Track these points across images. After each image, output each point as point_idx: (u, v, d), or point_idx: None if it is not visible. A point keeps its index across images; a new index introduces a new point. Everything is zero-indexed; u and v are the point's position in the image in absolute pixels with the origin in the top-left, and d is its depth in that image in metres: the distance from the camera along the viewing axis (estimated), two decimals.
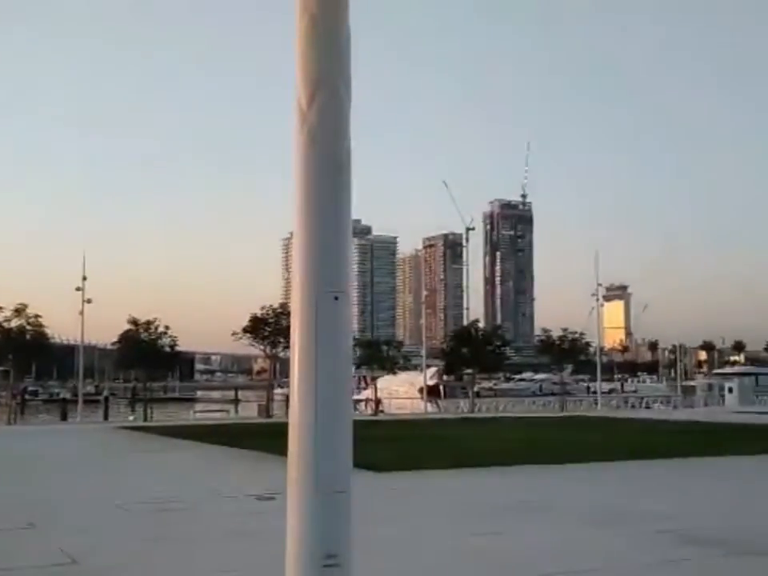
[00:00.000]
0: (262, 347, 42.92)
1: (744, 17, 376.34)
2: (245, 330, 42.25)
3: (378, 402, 51.02)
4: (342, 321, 2.76)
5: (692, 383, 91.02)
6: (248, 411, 55.05)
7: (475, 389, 57.77)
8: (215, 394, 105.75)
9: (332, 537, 2.67)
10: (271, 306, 42.03)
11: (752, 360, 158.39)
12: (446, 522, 10.04)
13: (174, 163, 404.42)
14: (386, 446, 19.72)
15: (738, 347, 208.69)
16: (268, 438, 14.84)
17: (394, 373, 60.44)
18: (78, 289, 39.00)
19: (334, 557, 2.65)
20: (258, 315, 42.07)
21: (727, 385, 62.84)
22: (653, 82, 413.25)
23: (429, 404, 55.13)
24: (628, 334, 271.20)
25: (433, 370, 70.98)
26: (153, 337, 42.79)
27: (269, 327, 41.36)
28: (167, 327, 43.30)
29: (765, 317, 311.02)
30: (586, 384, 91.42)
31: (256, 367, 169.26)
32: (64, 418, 46.38)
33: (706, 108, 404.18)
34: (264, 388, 49.07)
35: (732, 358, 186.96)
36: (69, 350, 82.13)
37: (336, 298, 2.72)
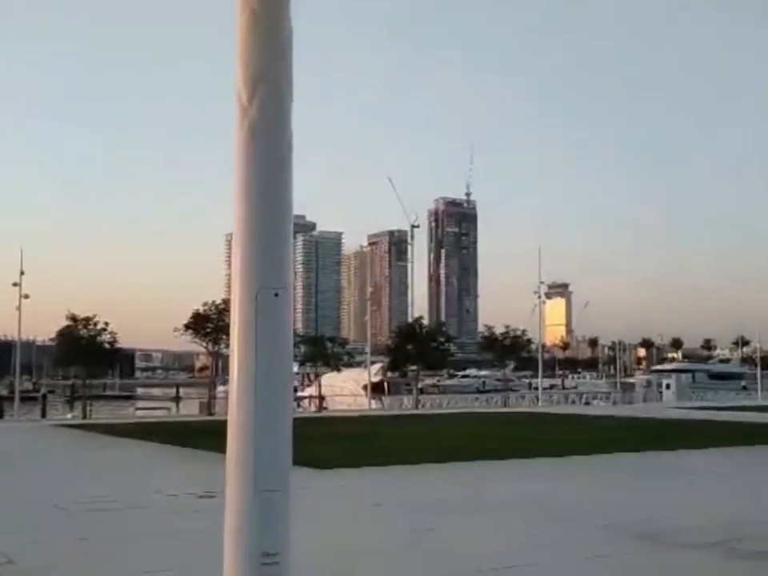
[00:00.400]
0: (203, 344, 42.53)
1: (689, 15, 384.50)
2: (186, 327, 41.81)
3: (321, 399, 50.95)
4: (283, 317, 2.74)
5: (631, 380, 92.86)
6: (189, 409, 54.40)
7: (419, 385, 58.07)
8: (156, 392, 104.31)
9: (270, 535, 2.66)
10: (213, 302, 41.70)
11: (689, 357, 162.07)
12: (388, 518, 10.08)
13: (115, 157, 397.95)
14: (328, 443, 19.71)
15: (676, 344, 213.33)
16: (209, 436, 14.65)
17: (338, 370, 60.45)
18: (15, 284, 38.14)
19: (272, 555, 2.64)
20: (200, 312, 41.67)
21: (665, 381, 64.30)
22: (597, 80, 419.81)
23: (373, 401, 55.16)
24: (569, 331, 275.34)
25: (377, 366, 71.04)
26: (92, 333, 42.09)
27: (211, 324, 40.99)
28: (107, 324, 42.70)
29: (702, 314, 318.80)
30: (527, 380, 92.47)
31: (198, 364, 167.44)
32: (0, 415, 45.32)
33: (652, 107, 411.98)
34: (206, 385, 48.62)
35: (670, 355, 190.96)
36: (6, 347, 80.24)
37: (276, 294, 2.70)
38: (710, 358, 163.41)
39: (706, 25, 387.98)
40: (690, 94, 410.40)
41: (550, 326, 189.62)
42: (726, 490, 12.82)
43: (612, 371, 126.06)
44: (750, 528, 9.09)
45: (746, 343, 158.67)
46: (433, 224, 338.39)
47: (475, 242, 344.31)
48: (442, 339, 55.57)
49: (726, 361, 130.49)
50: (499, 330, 58.66)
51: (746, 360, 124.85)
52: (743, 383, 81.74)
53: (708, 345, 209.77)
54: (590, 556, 7.83)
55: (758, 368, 78.88)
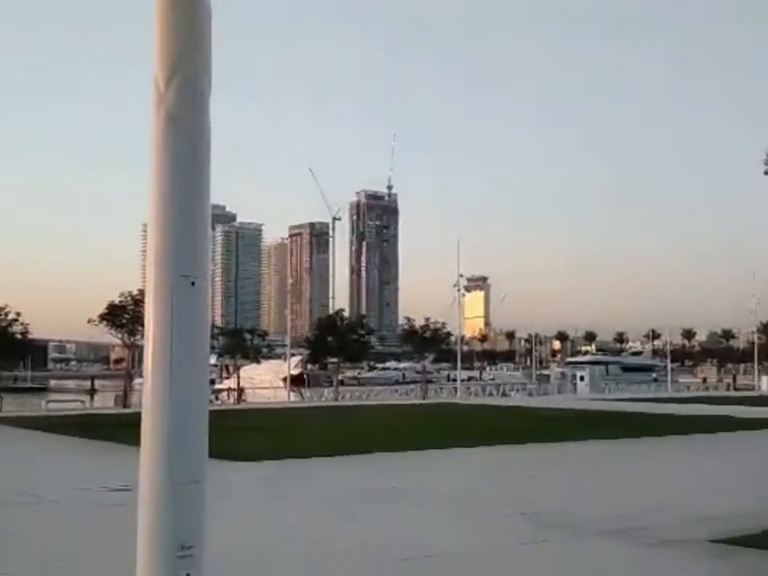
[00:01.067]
0: (119, 335, 41.67)
1: None
2: (102, 317, 40.91)
3: (240, 391, 50.49)
4: (199, 307, 2.70)
5: (547, 372, 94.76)
6: (105, 401, 53.23)
7: (339, 377, 58.09)
8: (70, 384, 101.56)
9: (186, 527, 2.63)
10: (130, 292, 40.86)
11: (603, 350, 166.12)
12: (307, 509, 10.07)
13: (28, 142, 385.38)
14: (247, 435, 19.57)
15: (590, 337, 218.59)
16: (125, 429, 14.40)
17: (258, 362, 59.98)
18: None
19: (187, 548, 2.61)
20: (116, 302, 40.83)
21: (579, 373, 65.86)
22: (519, 80, 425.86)
23: (293, 393, 55.01)
24: (487, 323, 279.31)
25: (297, 359, 70.83)
26: (2, 324, 40.79)
27: (127, 314, 40.18)
28: (18, 314, 41.43)
29: (615, 308, 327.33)
30: (446, 372, 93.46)
31: (113, 356, 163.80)
32: None
33: (572, 100, 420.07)
34: (122, 377, 47.65)
35: (584, 348, 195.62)
36: None
37: (193, 284, 2.66)
38: (622, 350, 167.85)
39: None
40: (592, 95, 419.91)
41: (469, 318, 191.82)
42: (634, 478, 13.20)
43: (528, 363, 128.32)
44: (655, 516, 9.38)
45: (656, 336, 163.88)
46: (354, 217, 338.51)
47: (396, 235, 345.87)
48: (363, 332, 55.68)
49: (638, 353, 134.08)
50: (419, 322, 59.19)
51: (657, 353, 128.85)
52: (654, 375, 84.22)
53: (621, 338, 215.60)
54: (511, 544, 7.97)
55: (668, 360, 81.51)
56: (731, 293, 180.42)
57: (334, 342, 51.95)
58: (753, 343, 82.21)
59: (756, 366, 76.03)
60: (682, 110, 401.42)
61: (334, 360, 56.44)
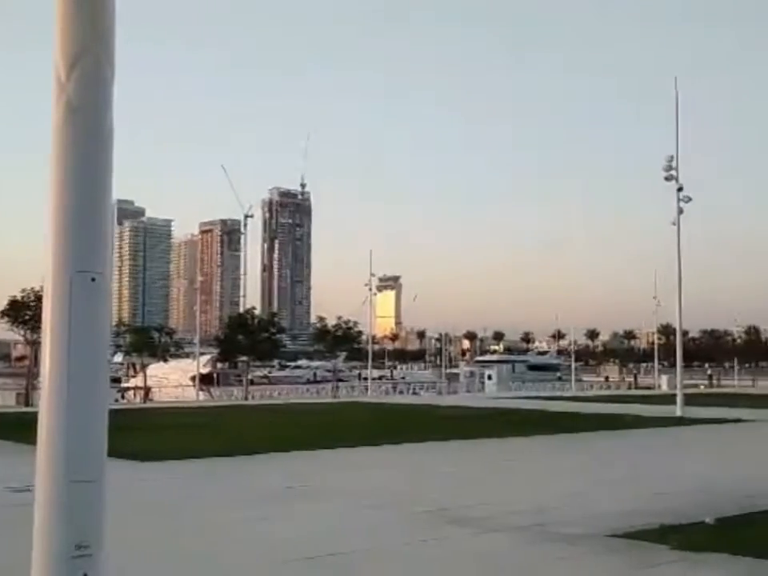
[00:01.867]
0: (21, 332, 40.44)
1: None
2: (3, 314, 39.70)
3: (147, 390, 49.52)
4: (100, 303, 2.64)
5: (456, 370, 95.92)
6: (5, 400, 51.40)
7: (249, 376, 57.54)
8: None
9: (83, 527, 2.57)
10: (32, 288, 39.60)
11: (510, 349, 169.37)
12: (214, 508, 9.96)
13: None
14: (153, 434, 19.22)
15: (498, 337, 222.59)
16: (27, 428, 13.97)
17: (166, 360, 58.89)
18: None
19: (84, 547, 2.55)
20: (18, 298, 39.62)
21: (487, 372, 66.94)
22: (417, 77, 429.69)
23: (201, 392, 54.25)
24: (398, 323, 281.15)
25: (206, 357, 69.87)
26: None
27: (29, 311, 39.00)
28: None
29: (523, 307, 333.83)
30: (358, 371, 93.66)
31: (15, 353, 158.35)
32: None
33: (480, 98, 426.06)
34: (24, 375, 46.15)
35: (492, 347, 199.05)
36: None
37: (93, 279, 2.60)
38: (529, 350, 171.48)
39: None
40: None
41: (381, 317, 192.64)
42: (538, 474, 13.49)
43: (439, 362, 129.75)
44: (556, 513, 9.61)
45: (562, 336, 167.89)
46: (267, 214, 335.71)
47: (309, 234, 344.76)
48: (274, 330, 55.29)
49: (544, 353, 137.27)
50: (332, 321, 59.16)
51: (562, 352, 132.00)
52: (559, 374, 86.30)
53: (527, 337, 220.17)
54: (411, 541, 8.05)
55: (572, 360, 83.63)
56: (633, 295, 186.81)
57: (245, 341, 51.44)
58: (653, 344, 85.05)
59: (656, 366, 78.72)
60: (581, 104, 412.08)
61: (244, 359, 55.87)
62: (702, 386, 71.23)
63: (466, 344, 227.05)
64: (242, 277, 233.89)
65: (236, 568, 7.09)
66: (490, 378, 65.05)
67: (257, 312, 62.05)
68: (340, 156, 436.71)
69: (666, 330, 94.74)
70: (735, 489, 11.26)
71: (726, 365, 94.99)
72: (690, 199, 29.51)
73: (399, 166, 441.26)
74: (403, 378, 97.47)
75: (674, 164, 29.65)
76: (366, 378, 65.35)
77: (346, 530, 8.65)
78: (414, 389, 62.63)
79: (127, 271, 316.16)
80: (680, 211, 29.56)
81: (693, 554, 7.27)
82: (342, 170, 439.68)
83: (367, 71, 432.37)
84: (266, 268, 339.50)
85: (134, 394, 50.48)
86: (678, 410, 28.18)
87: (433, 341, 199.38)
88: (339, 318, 58.59)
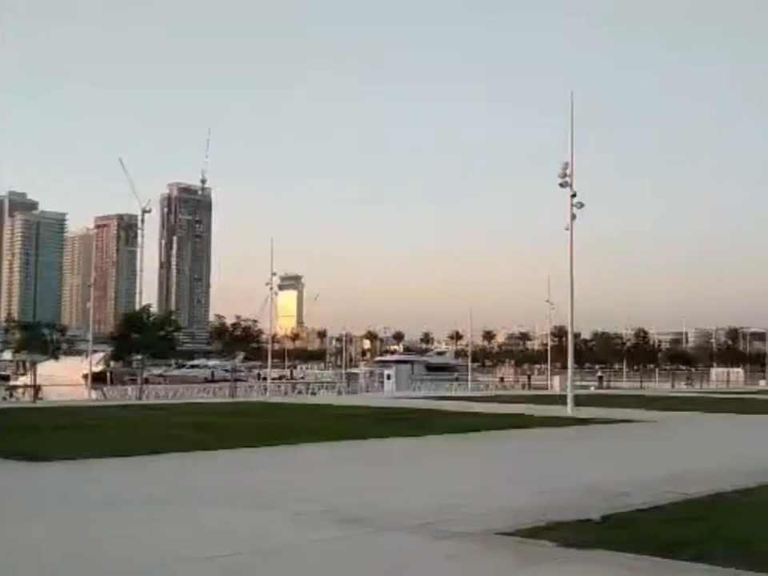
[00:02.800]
0: None
1: None
2: None
3: (37, 388, 47.83)
4: None
5: (356, 370, 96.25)
6: None
7: (145, 375, 56.32)
8: None
9: None
10: None
11: (410, 349, 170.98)
12: (100, 510, 9.72)
13: None
14: (42, 434, 18.62)
15: (398, 337, 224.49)
16: None
17: (57, 358, 57.08)
18: None
19: None
20: None
21: (386, 372, 67.36)
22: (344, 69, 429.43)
23: (94, 391, 52.77)
24: (300, 322, 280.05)
25: (99, 355, 68.08)
26: None
27: None
28: None
29: (421, 307, 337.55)
30: (257, 371, 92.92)
31: None
32: None
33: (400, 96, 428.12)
34: None
35: (393, 347, 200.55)
36: None
37: None
38: (428, 350, 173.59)
39: None
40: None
41: (282, 317, 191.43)
42: (425, 475, 13.61)
43: (339, 362, 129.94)
44: (446, 512, 9.76)
45: (460, 337, 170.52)
46: (165, 209, 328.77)
47: (209, 231, 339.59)
48: (171, 328, 54.31)
49: (442, 353, 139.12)
50: (231, 320, 58.55)
51: (459, 353, 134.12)
52: (456, 375, 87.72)
53: (427, 338, 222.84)
54: (301, 541, 8.04)
55: (469, 360, 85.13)
56: (529, 297, 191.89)
57: (139, 339, 50.33)
58: (547, 345, 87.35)
59: (549, 367, 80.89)
60: (478, 105, 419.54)
61: (139, 357, 54.65)
62: (593, 387, 73.61)
63: (367, 344, 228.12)
64: (138, 273, 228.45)
65: (119, 570, 6.95)
66: (389, 377, 65.51)
67: (153, 309, 60.86)
68: (242, 152, 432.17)
69: (560, 332, 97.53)
70: (619, 487, 11.68)
71: (616, 366, 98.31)
72: (582, 205, 30.46)
73: (300, 165, 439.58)
74: (303, 377, 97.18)
75: (568, 171, 30.56)
76: (265, 378, 64.79)
77: (235, 530, 8.58)
78: (314, 389, 62.48)
79: (18, 265, 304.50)
80: (573, 217, 30.48)
81: (577, 550, 7.51)
82: (244, 166, 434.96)
83: (263, 65, 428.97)
84: (164, 265, 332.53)
85: (24, 393, 48.69)
86: (568, 410, 29.03)
87: (334, 341, 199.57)
88: (238, 317, 58.11)
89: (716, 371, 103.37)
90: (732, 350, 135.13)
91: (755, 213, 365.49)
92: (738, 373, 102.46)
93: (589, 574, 6.99)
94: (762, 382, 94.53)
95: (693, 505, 10.29)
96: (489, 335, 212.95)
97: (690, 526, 8.76)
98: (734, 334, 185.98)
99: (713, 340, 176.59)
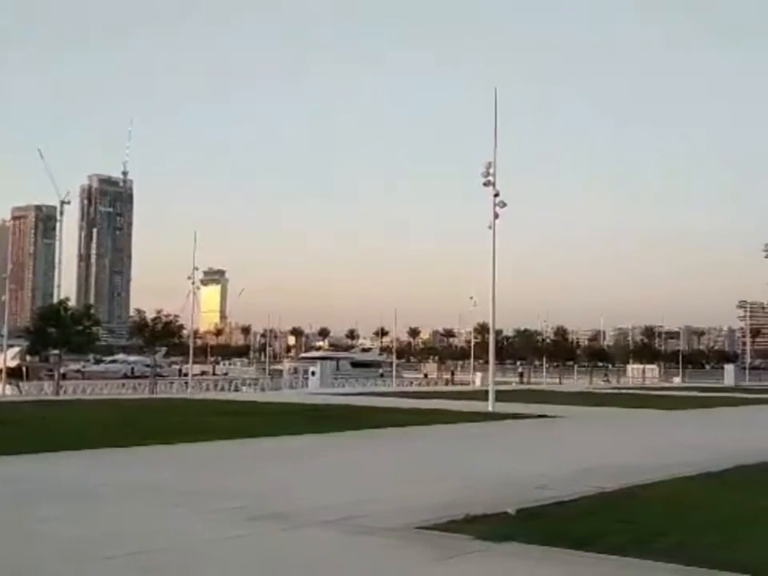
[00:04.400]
0: None
1: None
2: None
3: None
4: None
5: (280, 367, 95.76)
6: None
7: (62, 371, 54.94)
8: None
9: None
10: None
11: (335, 345, 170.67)
12: (8, 508, 9.45)
13: None
14: None
15: (324, 333, 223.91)
16: None
17: None
18: None
19: None
20: None
21: (311, 368, 67.20)
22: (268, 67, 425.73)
23: (9, 387, 51.28)
24: (223, 317, 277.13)
25: (15, 350, 66.18)
26: None
27: None
28: None
29: (347, 304, 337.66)
30: (179, 366, 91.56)
31: None
32: None
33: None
34: None
35: (318, 344, 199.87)
36: None
37: None
38: (353, 347, 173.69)
39: None
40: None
41: (205, 312, 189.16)
42: (345, 471, 13.62)
43: (263, 358, 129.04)
44: (366, 507, 9.79)
45: (385, 334, 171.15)
46: (85, 201, 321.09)
47: (130, 224, 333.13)
48: (89, 323, 52.98)
49: (368, 350, 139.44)
50: (152, 315, 57.46)
51: (384, 349, 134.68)
52: (381, 371, 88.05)
53: (352, 334, 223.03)
54: (216, 538, 7.94)
55: (394, 357, 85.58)
56: (453, 295, 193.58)
57: (57, 333, 49.01)
58: (470, 342, 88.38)
59: (472, 363, 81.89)
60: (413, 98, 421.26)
61: (56, 352, 53.25)
62: (514, 383, 74.87)
63: (292, 340, 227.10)
64: (56, 266, 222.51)
65: (31, 569, 6.76)
66: (313, 374, 65.36)
67: (71, 303, 59.26)
68: (164, 145, 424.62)
69: (483, 329, 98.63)
70: (535, 481, 11.87)
71: (537, 363, 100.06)
72: (505, 204, 30.85)
73: (227, 159, 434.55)
74: (226, 374, 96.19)
75: (491, 170, 30.93)
76: (186, 374, 63.94)
77: (148, 528, 8.43)
78: (236, 385, 61.91)
79: None
80: (495, 216, 30.87)
81: (493, 543, 7.61)
82: (167, 158, 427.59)
83: (193, 52, 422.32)
84: (83, 258, 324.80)
85: None
86: (489, 406, 29.44)
87: (258, 336, 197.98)
88: (159, 311, 57.07)
89: (632, 368, 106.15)
90: (648, 347, 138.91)
91: (668, 214, 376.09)
92: (653, 370, 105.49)
93: (503, 566, 7.08)
94: (676, 379, 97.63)
95: (606, 498, 10.53)
96: (414, 332, 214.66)
97: (602, 519, 8.96)
98: (649, 332, 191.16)
99: (629, 338, 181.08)
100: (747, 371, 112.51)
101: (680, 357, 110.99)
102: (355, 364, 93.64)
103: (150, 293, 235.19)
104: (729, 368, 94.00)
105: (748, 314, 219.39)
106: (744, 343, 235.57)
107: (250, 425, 21.51)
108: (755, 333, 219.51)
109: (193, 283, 56.25)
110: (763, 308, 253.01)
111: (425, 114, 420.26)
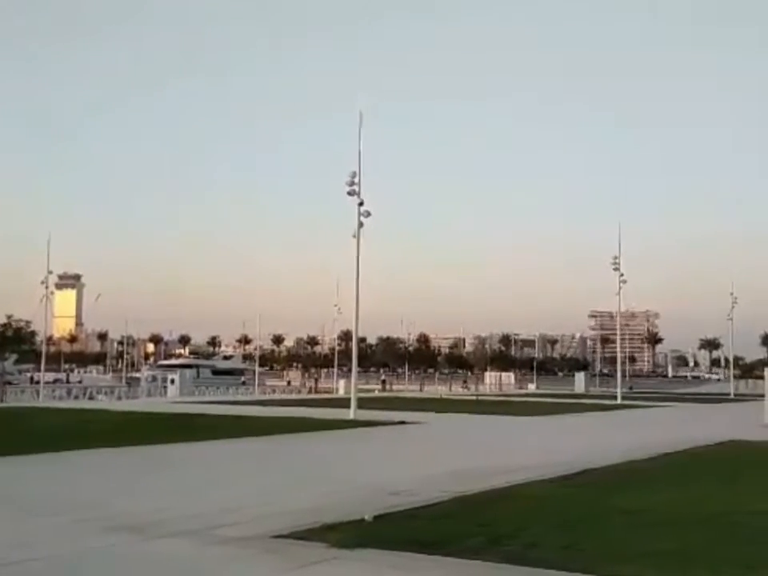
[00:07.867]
0: None
1: None
2: None
3: None
4: None
5: (137, 374, 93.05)
6: None
7: None
8: None
9: None
10: None
11: (196, 353, 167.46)
12: None
13: None
14: None
15: (184, 340, 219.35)
16: None
17: None
18: None
19: None
20: None
21: (170, 376, 65.73)
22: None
23: None
24: (79, 324, 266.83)
25: None
26: None
27: None
28: None
29: (209, 311, 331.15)
30: (30, 374, 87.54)
31: None
32: None
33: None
34: None
35: (178, 351, 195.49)
36: None
37: None
38: (215, 354, 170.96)
39: None
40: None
41: (59, 317, 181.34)
42: (201, 482, 13.38)
43: (120, 366, 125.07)
44: (222, 517, 9.69)
45: (248, 341, 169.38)
46: None
47: None
48: None
49: (229, 357, 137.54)
50: (2, 320, 54.81)
51: (247, 357, 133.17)
52: (243, 379, 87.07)
53: (214, 341, 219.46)
54: (72, 550, 7.71)
55: (257, 365, 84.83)
56: (318, 302, 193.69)
57: None
58: (334, 350, 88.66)
59: (335, 371, 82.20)
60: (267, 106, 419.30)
61: None
62: (377, 390, 75.72)
63: (151, 348, 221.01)
64: None
65: None
66: (172, 382, 63.90)
67: None
68: (16, 138, 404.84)
69: (347, 337, 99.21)
70: (395, 486, 12.07)
71: (399, 370, 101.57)
72: (369, 214, 31.24)
73: (80, 155, 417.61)
74: (80, 381, 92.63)
75: (356, 180, 31.26)
76: (38, 382, 61.20)
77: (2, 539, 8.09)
78: (91, 393, 59.75)
79: None
80: (360, 224, 31.21)
81: (348, 551, 7.68)
82: (18, 154, 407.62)
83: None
84: None
85: None
86: (351, 413, 29.68)
87: (115, 343, 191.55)
88: (9, 317, 54.50)
89: (490, 375, 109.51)
90: (504, 355, 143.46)
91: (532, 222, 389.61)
92: (509, 377, 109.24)
93: (353, 573, 7.17)
94: (531, 386, 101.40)
95: (463, 502, 10.82)
96: (278, 339, 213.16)
97: (458, 523, 9.21)
98: (506, 340, 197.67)
99: (488, 345, 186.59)
100: (597, 378, 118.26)
101: (534, 364, 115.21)
102: (217, 372, 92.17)
103: (2, 297, 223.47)
104: (579, 375, 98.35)
105: (599, 323, 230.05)
106: (595, 351, 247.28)
107: (99, 432, 20.88)
108: (605, 341, 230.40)
109: (47, 288, 53.92)
110: (611, 317, 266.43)
111: (289, 116, 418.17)
